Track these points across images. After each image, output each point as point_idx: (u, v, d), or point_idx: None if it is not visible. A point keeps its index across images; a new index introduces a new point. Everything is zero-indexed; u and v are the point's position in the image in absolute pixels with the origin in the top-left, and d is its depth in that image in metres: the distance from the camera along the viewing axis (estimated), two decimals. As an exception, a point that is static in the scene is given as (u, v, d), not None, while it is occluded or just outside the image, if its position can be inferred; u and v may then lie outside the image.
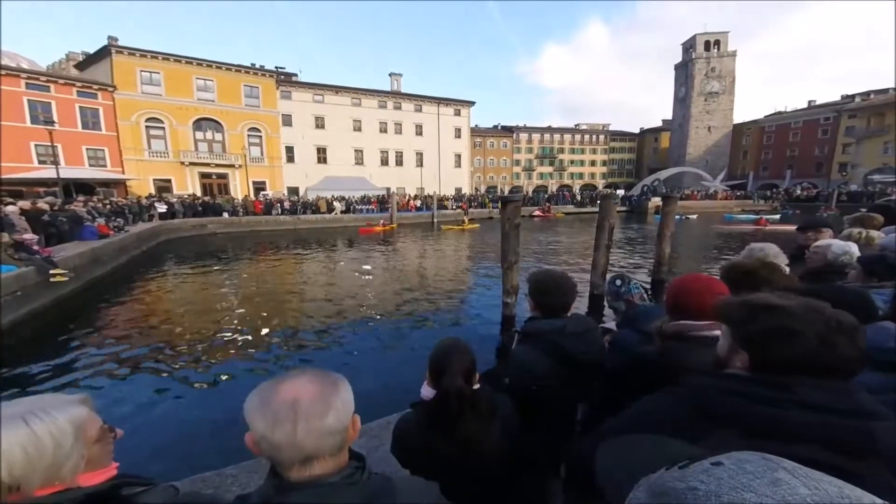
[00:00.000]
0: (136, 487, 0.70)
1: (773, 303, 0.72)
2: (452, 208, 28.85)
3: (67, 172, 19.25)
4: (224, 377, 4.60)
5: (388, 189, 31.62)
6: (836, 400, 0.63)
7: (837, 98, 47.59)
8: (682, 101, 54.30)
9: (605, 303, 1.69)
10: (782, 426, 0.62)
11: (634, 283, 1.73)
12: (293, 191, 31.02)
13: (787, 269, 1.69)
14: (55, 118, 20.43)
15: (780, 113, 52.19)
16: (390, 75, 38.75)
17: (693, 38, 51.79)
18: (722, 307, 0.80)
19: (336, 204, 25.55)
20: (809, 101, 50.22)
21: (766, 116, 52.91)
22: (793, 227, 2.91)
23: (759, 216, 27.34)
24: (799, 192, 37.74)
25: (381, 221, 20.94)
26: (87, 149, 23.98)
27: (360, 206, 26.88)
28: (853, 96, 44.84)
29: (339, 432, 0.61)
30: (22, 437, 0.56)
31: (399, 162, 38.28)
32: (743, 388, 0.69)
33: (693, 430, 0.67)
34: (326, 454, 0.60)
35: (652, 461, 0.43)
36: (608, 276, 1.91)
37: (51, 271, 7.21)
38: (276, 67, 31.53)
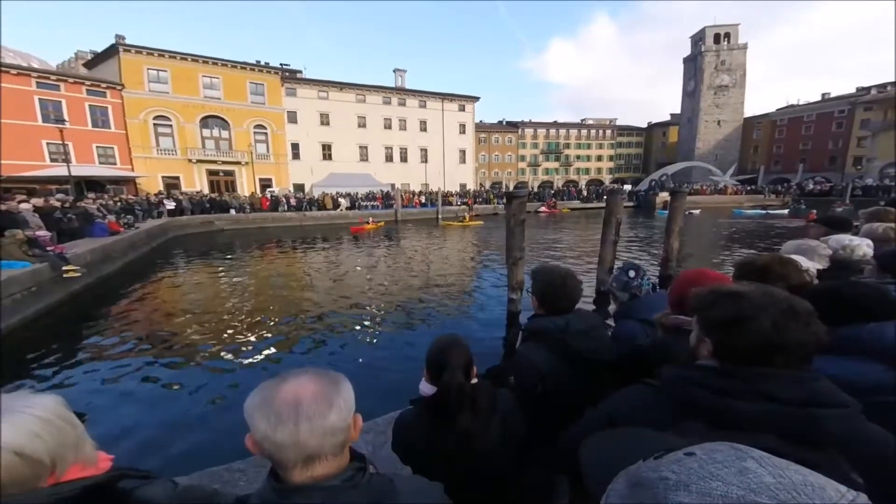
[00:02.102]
0: (134, 480, 0.69)
1: (733, 290, 0.74)
2: (457, 204, 28.80)
3: (78, 170, 19.55)
4: (231, 373, 4.67)
5: (393, 185, 31.62)
6: (791, 389, 0.64)
7: (852, 90, 46.34)
8: (690, 94, 53.33)
9: (608, 288, 1.64)
10: (740, 416, 0.64)
11: (647, 278, 1.70)
12: (299, 187, 31.20)
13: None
14: (66, 116, 20.75)
15: (792, 106, 51.02)
16: (395, 71, 38.60)
17: (702, 30, 50.68)
18: (692, 297, 0.82)
19: (341, 200, 25.66)
20: (823, 94, 49.00)
21: (777, 110, 51.77)
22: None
23: (765, 211, 26.95)
24: (812, 186, 36.98)
25: (370, 219, 20.96)
26: (97, 147, 24.33)
27: (364, 203, 26.95)
28: (869, 88, 43.62)
29: (342, 431, 0.60)
30: (35, 422, 0.57)
31: (404, 158, 38.23)
32: (706, 378, 0.71)
33: (665, 421, 0.69)
34: (328, 454, 0.59)
35: (634, 454, 0.44)
36: (619, 264, 1.86)
37: (64, 267, 7.35)
38: (281, 64, 31.64)
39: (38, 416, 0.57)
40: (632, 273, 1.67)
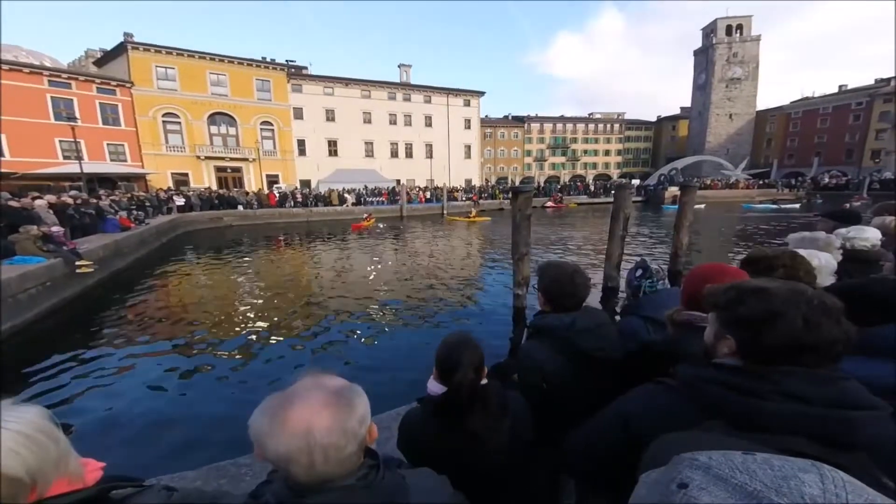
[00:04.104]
0: (126, 489, 0.66)
1: (760, 286, 0.71)
2: (463, 199, 28.71)
3: (90, 167, 19.87)
4: (242, 367, 4.72)
5: (399, 181, 31.61)
6: (820, 390, 0.61)
7: (871, 82, 44.90)
8: (701, 87, 52.22)
9: (624, 284, 1.63)
10: (766, 417, 0.61)
11: (656, 280, 1.63)
12: (305, 183, 31.37)
13: None
14: (77, 114, 21.07)
15: (807, 98, 49.69)
16: (399, 66, 38.45)
17: (714, 22, 49.50)
18: (710, 293, 0.79)
19: (347, 196, 25.74)
20: (840, 86, 47.59)
21: (791, 102, 50.48)
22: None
23: (777, 205, 26.39)
24: (827, 180, 36.08)
25: (365, 215, 21.07)
26: (108, 144, 24.69)
27: (370, 199, 27.00)
28: (888, 80, 42.21)
29: (357, 453, 0.58)
30: (13, 437, 0.53)
31: (409, 154, 38.19)
32: (728, 378, 0.68)
33: (685, 422, 0.67)
34: (343, 474, 0.57)
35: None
36: (636, 261, 1.80)
37: (77, 263, 7.50)
38: (287, 61, 31.64)
39: (16, 430, 0.54)
40: (639, 272, 1.64)
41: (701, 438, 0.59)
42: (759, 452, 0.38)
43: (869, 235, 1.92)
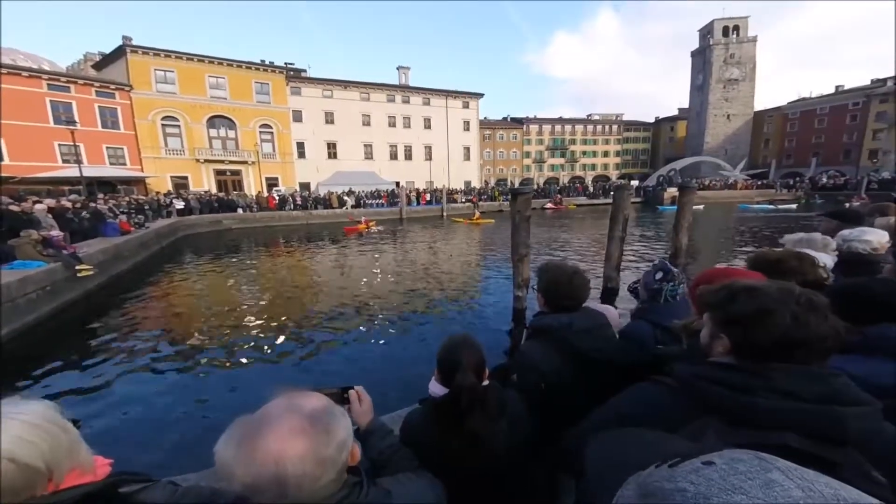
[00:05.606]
0: (134, 485, 0.67)
1: (750, 285, 0.73)
2: (462, 201, 28.72)
3: (90, 171, 19.85)
4: (242, 370, 4.73)
5: (398, 184, 31.66)
6: (811, 386, 0.63)
7: (867, 82, 45.12)
8: (699, 88, 52.43)
9: (634, 285, 1.48)
10: (758, 414, 0.62)
11: (672, 286, 1.47)
12: (304, 186, 31.37)
13: None
14: (76, 118, 21.06)
15: (804, 99, 49.90)
16: (398, 69, 38.57)
17: (711, 23, 49.79)
18: (703, 295, 0.81)
19: (347, 199, 25.75)
20: (837, 87, 47.83)
21: (789, 103, 50.69)
22: None
23: (774, 206, 26.48)
24: (825, 180, 36.19)
25: (363, 218, 21.02)
26: (107, 147, 24.69)
27: (370, 201, 27.02)
28: (885, 80, 42.43)
29: (336, 480, 0.56)
30: (25, 427, 0.55)
31: (408, 156, 38.26)
32: (722, 375, 0.70)
33: (677, 419, 0.69)
34: (321, 502, 0.54)
35: (643, 457, 0.42)
36: (654, 263, 1.61)
37: (77, 267, 7.49)
38: (286, 63, 31.72)
39: (28, 421, 0.55)
40: (659, 275, 1.52)
41: (629, 441, 0.59)
42: (709, 456, 0.36)
43: (870, 238, 1.90)
